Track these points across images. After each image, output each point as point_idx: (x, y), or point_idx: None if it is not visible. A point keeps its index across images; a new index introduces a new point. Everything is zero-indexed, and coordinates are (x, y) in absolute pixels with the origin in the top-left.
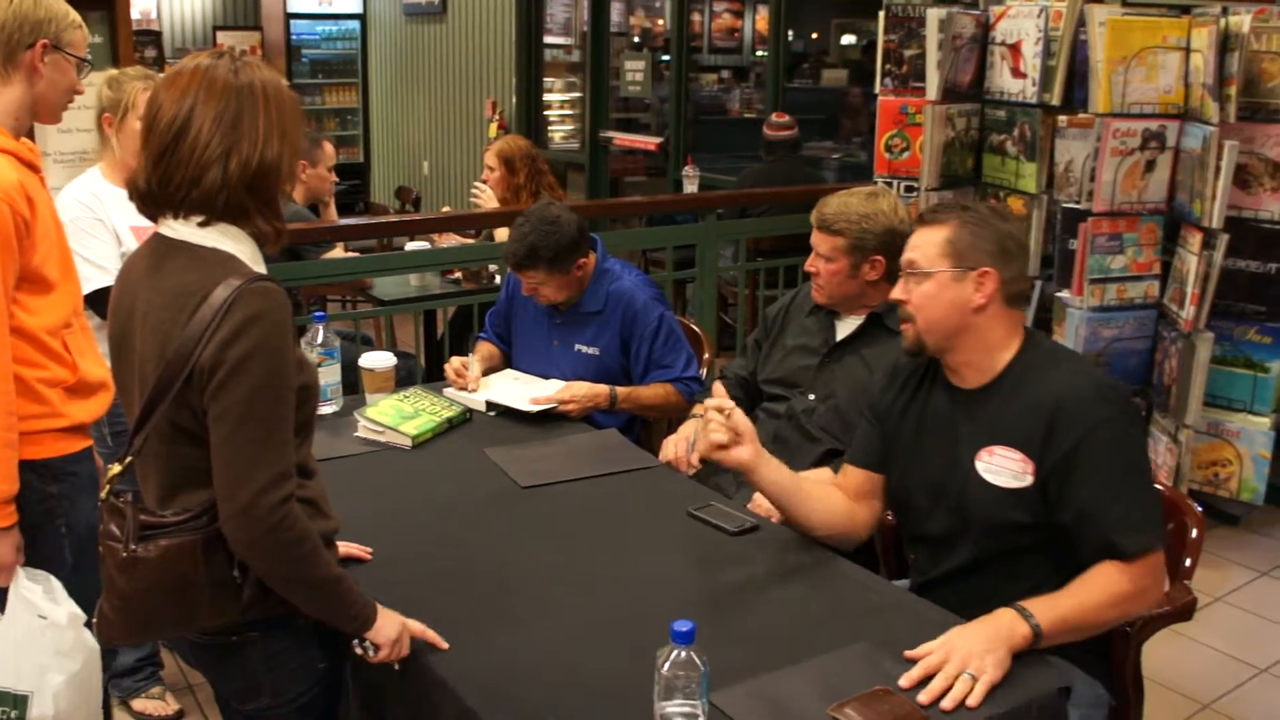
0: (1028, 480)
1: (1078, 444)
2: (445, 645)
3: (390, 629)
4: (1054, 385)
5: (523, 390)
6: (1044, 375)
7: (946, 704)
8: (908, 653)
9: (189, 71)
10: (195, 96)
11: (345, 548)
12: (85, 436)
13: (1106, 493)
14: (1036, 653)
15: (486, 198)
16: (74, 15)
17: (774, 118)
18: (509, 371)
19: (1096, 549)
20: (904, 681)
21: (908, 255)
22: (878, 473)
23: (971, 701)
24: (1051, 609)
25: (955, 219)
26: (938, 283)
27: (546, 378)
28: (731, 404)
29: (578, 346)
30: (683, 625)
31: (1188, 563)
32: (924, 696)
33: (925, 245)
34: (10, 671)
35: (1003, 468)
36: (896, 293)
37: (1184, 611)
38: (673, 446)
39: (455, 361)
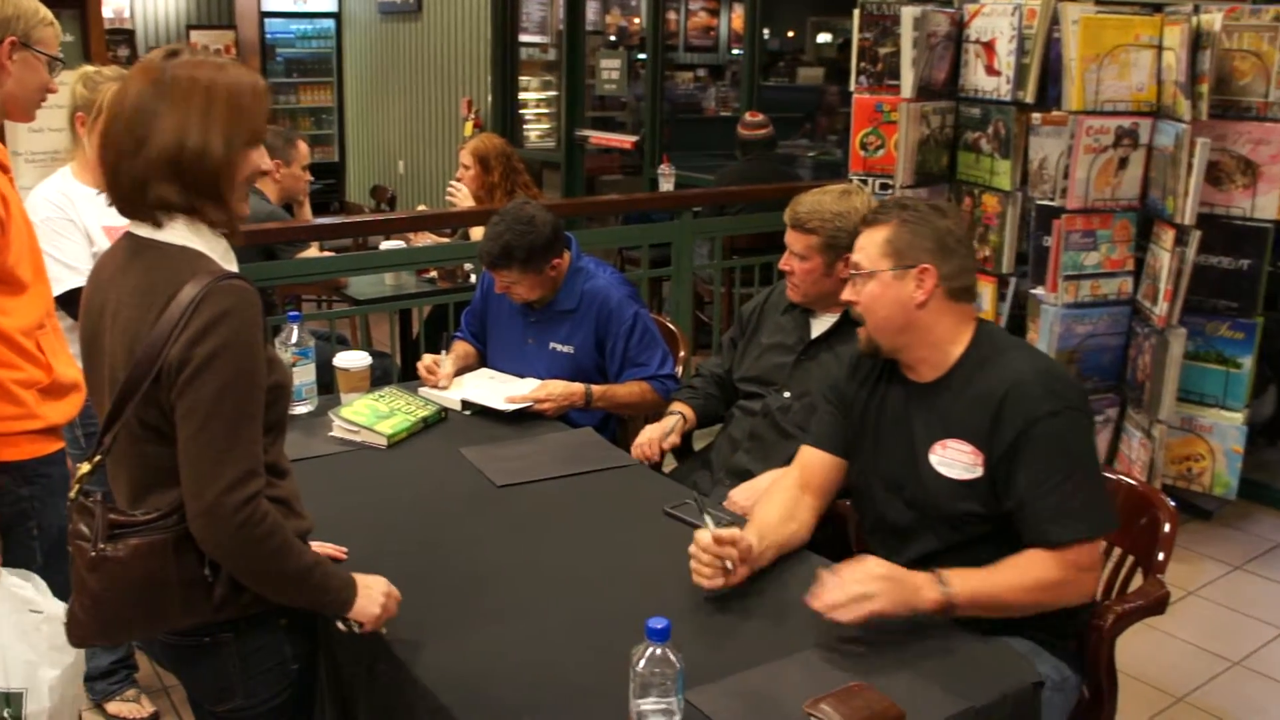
0: (978, 472)
1: (1020, 433)
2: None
3: (372, 605)
4: (1001, 376)
5: (498, 389)
6: (992, 367)
7: (818, 606)
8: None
9: (140, 73)
10: (124, 90)
11: (319, 548)
12: (58, 438)
13: (1044, 482)
14: (1009, 646)
15: (462, 196)
16: (45, 12)
17: (748, 117)
18: (484, 370)
19: (1031, 536)
20: (812, 598)
21: (853, 257)
22: (842, 458)
23: (843, 616)
24: (969, 582)
25: (894, 219)
26: (880, 282)
27: (521, 376)
28: (731, 538)
29: (552, 345)
30: (658, 623)
31: (1160, 557)
32: (814, 602)
33: (868, 246)
34: None
35: (955, 460)
36: (846, 294)
37: (1157, 605)
38: (645, 437)
39: (427, 359)
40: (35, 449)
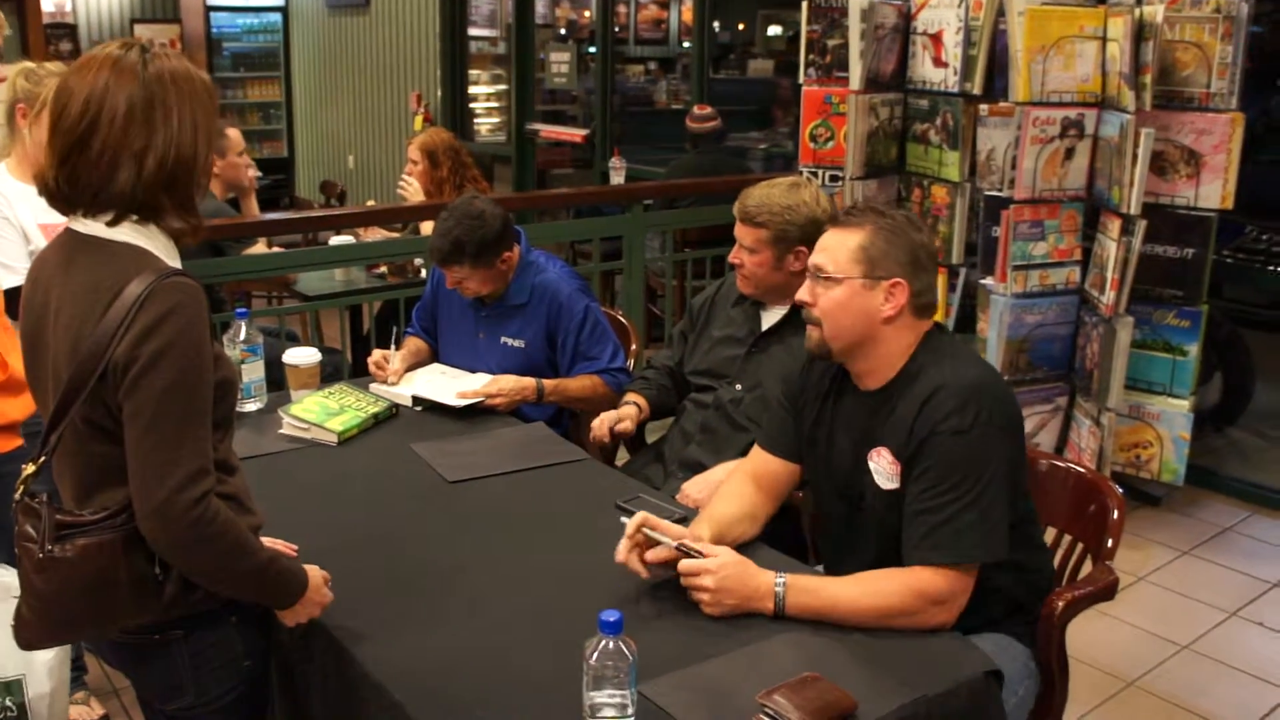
0: (897, 483)
1: (921, 442)
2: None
3: (316, 595)
4: (926, 386)
5: (449, 384)
6: (924, 376)
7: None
8: (685, 543)
9: (98, 62)
10: (105, 89)
11: (270, 544)
12: (17, 435)
13: (924, 497)
14: (960, 637)
15: (413, 191)
16: None
17: (696, 110)
18: (435, 366)
19: (905, 552)
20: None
21: (816, 258)
22: (794, 462)
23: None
24: (806, 596)
25: (870, 224)
26: (848, 289)
27: (473, 371)
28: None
29: (503, 339)
30: (610, 615)
31: (1109, 543)
32: (650, 554)
33: (836, 249)
34: None
35: (882, 469)
36: (803, 294)
37: (1106, 591)
38: (600, 424)
39: (377, 354)
40: None
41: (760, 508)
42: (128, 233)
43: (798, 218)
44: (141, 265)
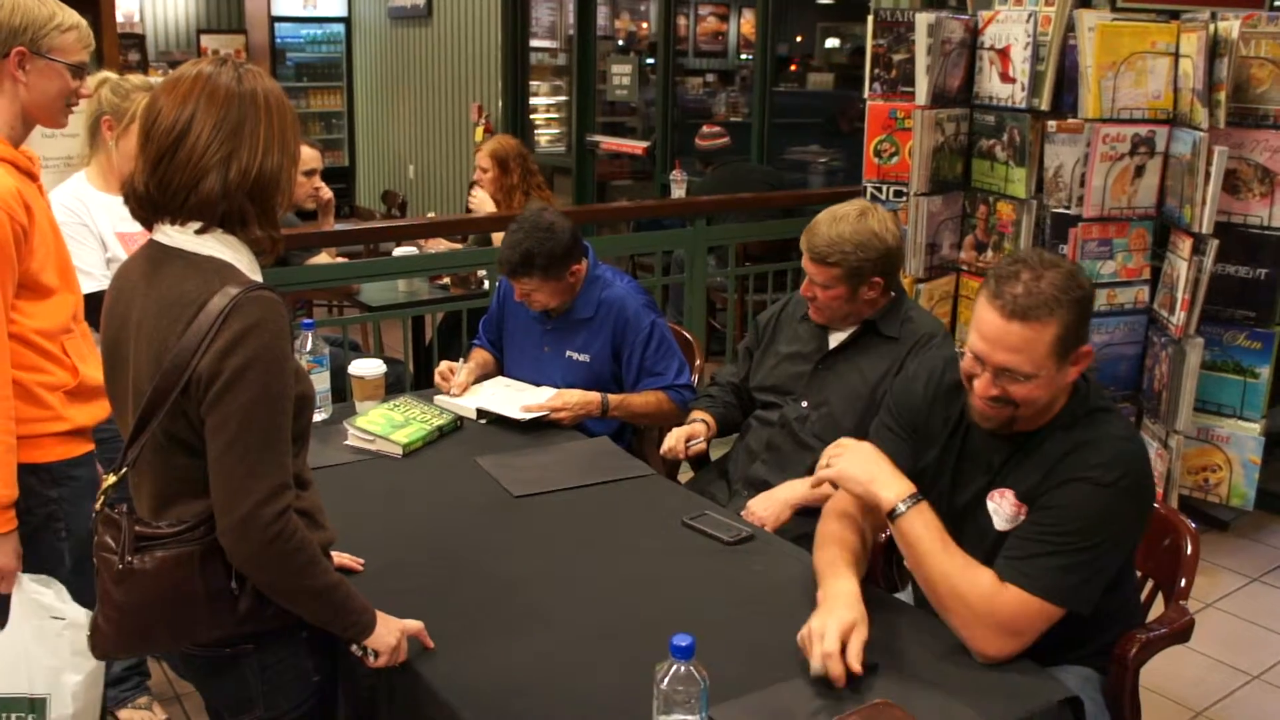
0: (1019, 523)
1: (1059, 485)
2: (431, 645)
3: (389, 635)
4: (1080, 436)
5: (514, 398)
6: (1078, 426)
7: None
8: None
9: (190, 78)
10: (196, 103)
11: (338, 558)
12: (87, 440)
13: (1040, 531)
14: (1035, 665)
15: (480, 201)
16: (61, 19)
17: (704, 128)
18: (500, 379)
19: (999, 565)
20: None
21: (1003, 359)
22: None
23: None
24: (919, 528)
25: (1063, 310)
26: (1046, 378)
27: (537, 384)
28: None
29: (569, 353)
30: (682, 640)
31: (1183, 582)
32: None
33: (1030, 349)
34: (24, 677)
35: (1004, 511)
36: (988, 390)
37: (1181, 634)
38: (673, 436)
39: (443, 365)
40: (63, 451)
41: (870, 531)
42: (213, 244)
43: (870, 253)
44: (225, 278)
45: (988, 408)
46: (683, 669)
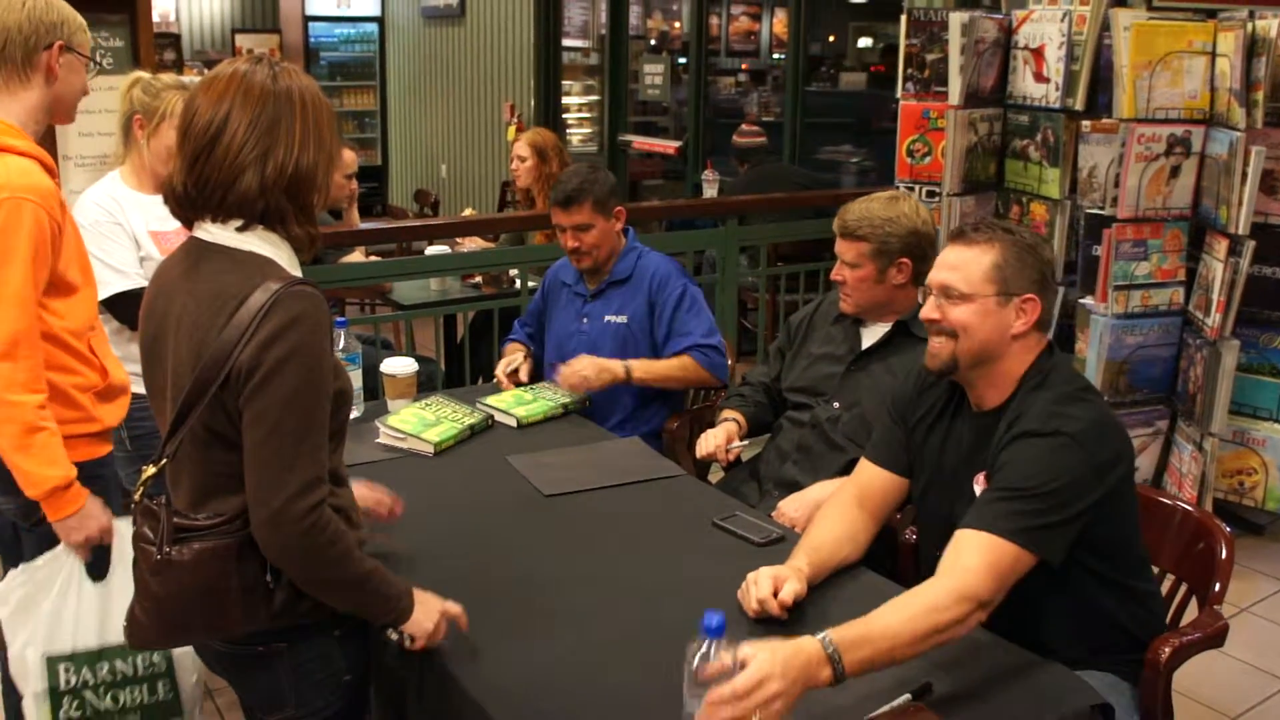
0: None
1: (1001, 450)
2: (466, 627)
3: (427, 620)
4: (1026, 412)
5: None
6: (1027, 402)
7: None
8: (710, 669)
9: (226, 77)
10: (232, 101)
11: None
12: (109, 440)
13: (992, 496)
14: (1066, 670)
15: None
16: (80, 18)
17: (743, 127)
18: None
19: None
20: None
21: (943, 277)
22: (903, 476)
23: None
24: (858, 652)
25: (1001, 242)
26: (981, 307)
27: (576, 352)
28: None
29: (606, 318)
30: (713, 618)
31: (1217, 587)
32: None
33: (966, 267)
34: None
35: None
36: (929, 311)
37: (1215, 638)
38: (711, 440)
39: (502, 373)
40: (92, 451)
41: (863, 530)
42: (255, 240)
43: (899, 229)
44: (266, 273)
45: (932, 342)
46: (713, 649)
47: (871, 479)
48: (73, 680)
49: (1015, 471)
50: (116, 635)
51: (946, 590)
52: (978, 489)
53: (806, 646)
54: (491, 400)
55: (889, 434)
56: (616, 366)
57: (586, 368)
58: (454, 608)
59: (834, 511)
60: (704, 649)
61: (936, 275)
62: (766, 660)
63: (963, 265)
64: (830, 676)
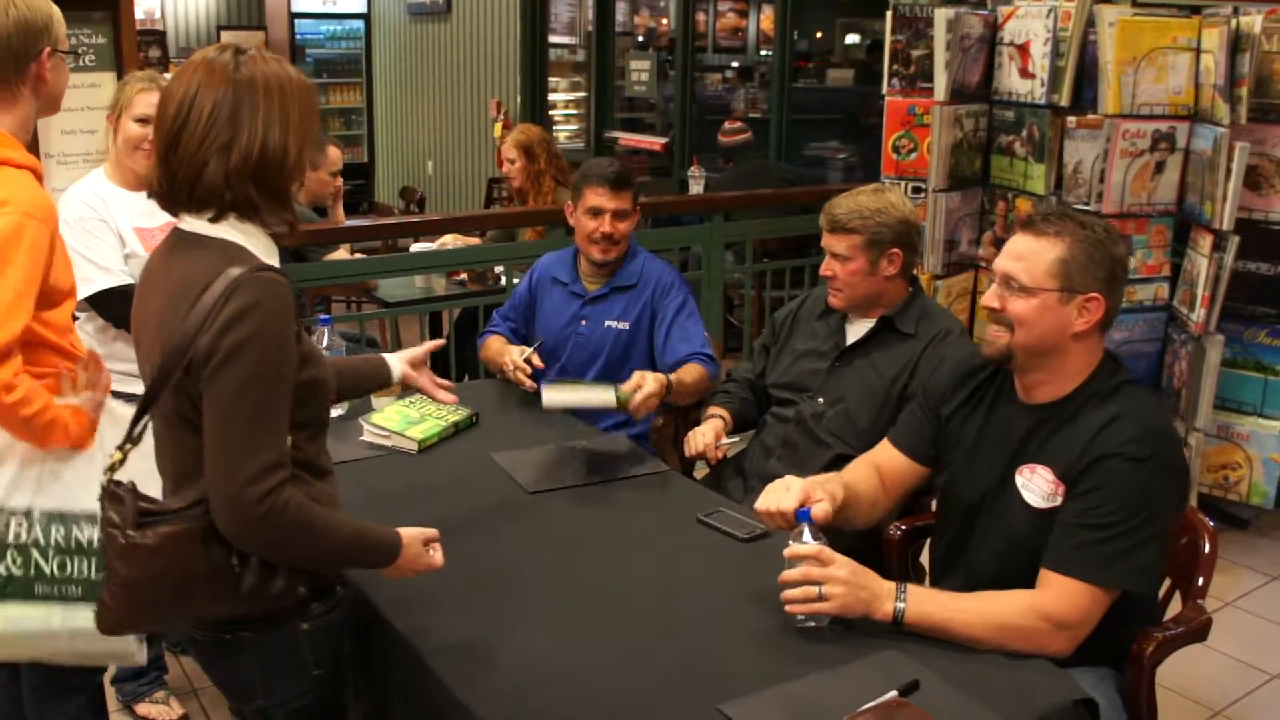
0: (1057, 502)
1: (1092, 464)
2: (440, 563)
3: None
4: (1109, 411)
5: (578, 390)
6: (1106, 401)
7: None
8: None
9: (192, 66)
10: (195, 89)
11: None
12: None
13: (1088, 516)
14: (1051, 666)
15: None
16: (57, 10)
17: (726, 124)
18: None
19: (1046, 558)
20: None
21: (1007, 265)
22: (924, 465)
23: (795, 608)
24: (927, 605)
25: (1071, 236)
26: (1041, 302)
27: (574, 357)
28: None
29: (608, 323)
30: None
31: (1200, 581)
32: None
33: (1031, 258)
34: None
35: (1037, 487)
36: (989, 300)
37: (1198, 633)
38: (700, 438)
39: (518, 357)
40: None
41: (880, 500)
42: (227, 230)
43: (889, 219)
44: (233, 260)
45: (989, 329)
46: (805, 531)
47: (891, 459)
48: (22, 535)
49: (1115, 499)
50: (91, 502)
51: (1032, 606)
52: (1024, 479)
53: (882, 581)
54: (377, 419)
55: (915, 420)
56: (664, 380)
57: (655, 395)
58: (430, 531)
59: (861, 471)
60: (802, 533)
61: (1001, 262)
62: (848, 563)
63: (1028, 256)
64: (890, 612)
